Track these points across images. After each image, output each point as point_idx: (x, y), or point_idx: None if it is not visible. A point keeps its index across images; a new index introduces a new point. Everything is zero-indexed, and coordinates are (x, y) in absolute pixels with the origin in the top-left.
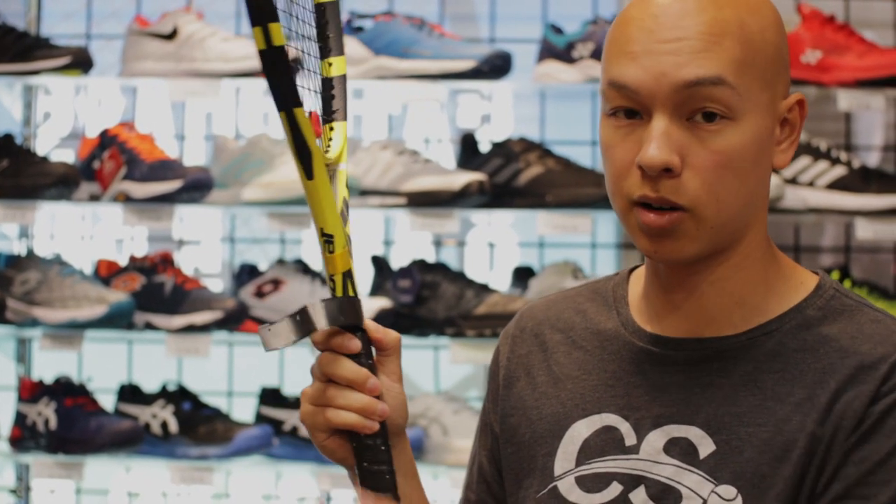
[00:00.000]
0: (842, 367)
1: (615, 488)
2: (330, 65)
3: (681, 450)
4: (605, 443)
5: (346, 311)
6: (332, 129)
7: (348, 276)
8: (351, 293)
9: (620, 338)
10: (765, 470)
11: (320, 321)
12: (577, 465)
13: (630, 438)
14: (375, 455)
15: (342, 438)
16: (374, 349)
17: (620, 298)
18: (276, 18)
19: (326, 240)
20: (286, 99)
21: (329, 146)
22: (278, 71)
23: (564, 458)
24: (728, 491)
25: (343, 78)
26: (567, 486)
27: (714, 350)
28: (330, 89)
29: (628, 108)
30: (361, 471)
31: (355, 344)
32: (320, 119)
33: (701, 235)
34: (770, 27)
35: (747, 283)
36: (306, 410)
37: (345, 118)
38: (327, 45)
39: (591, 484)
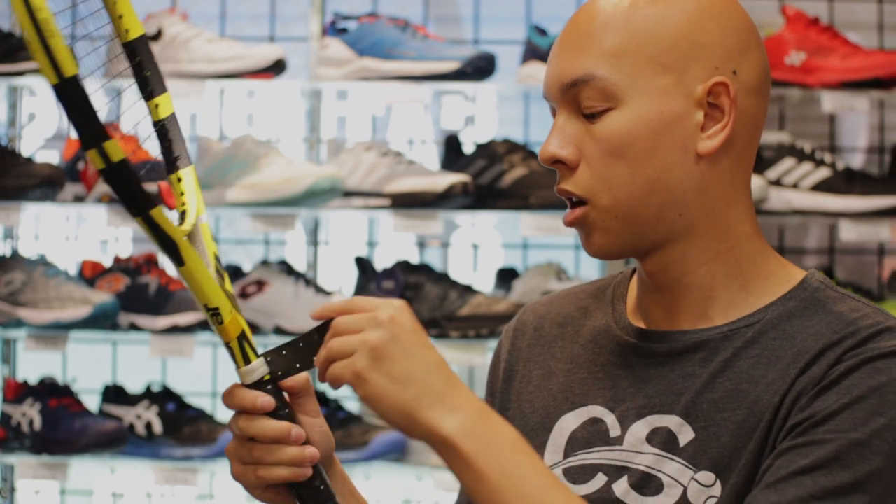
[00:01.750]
0: (813, 348)
1: (600, 479)
2: (157, 106)
3: (662, 439)
4: (591, 435)
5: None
6: (179, 179)
7: (243, 337)
8: (249, 351)
9: (610, 332)
10: (740, 452)
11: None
12: (564, 457)
13: (615, 430)
14: (317, 496)
15: (280, 488)
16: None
17: (619, 296)
18: (107, 135)
19: (213, 313)
20: (140, 205)
21: (184, 203)
22: (127, 183)
23: (553, 450)
24: (707, 477)
25: (173, 117)
26: None
27: (695, 341)
28: (165, 134)
29: (555, 113)
30: None
31: (268, 401)
32: (165, 171)
33: (610, 226)
34: (674, 15)
35: (716, 277)
36: (237, 470)
37: (189, 161)
38: (148, 85)
39: (577, 475)
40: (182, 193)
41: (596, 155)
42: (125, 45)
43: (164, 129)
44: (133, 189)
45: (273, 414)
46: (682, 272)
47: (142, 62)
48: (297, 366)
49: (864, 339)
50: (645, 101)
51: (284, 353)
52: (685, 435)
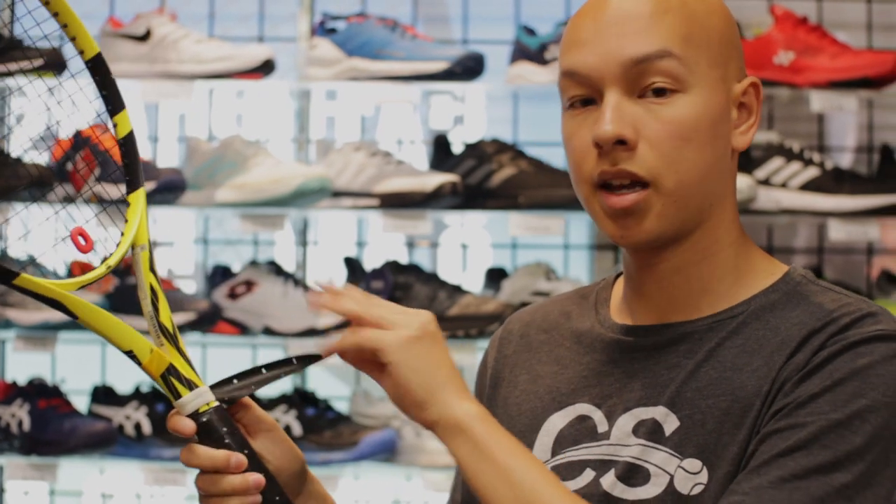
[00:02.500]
0: (797, 336)
1: (588, 475)
2: (115, 125)
3: (647, 430)
4: (579, 432)
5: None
6: (128, 204)
7: (169, 373)
8: (178, 386)
9: (594, 333)
10: (726, 439)
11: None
12: (552, 455)
13: (602, 426)
14: None
15: None
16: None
17: (603, 301)
18: None
19: (129, 355)
20: (2, 278)
21: (121, 234)
22: None
23: (541, 449)
24: (693, 464)
25: (131, 135)
26: None
27: (680, 333)
28: (123, 154)
29: (584, 96)
30: None
31: (187, 425)
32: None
33: (666, 211)
34: (716, 13)
35: (714, 271)
36: (201, 502)
37: (141, 184)
38: (107, 104)
39: (566, 472)
40: (126, 221)
41: (662, 135)
42: (85, 63)
43: (120, 149)
44: None
45: (214, 443)
46: (685, 263)
47: (99, 81)
48: (240, 391)
49: (846, 325)
50: (705, 89)
51: (233, 381)
52: (670, 424)
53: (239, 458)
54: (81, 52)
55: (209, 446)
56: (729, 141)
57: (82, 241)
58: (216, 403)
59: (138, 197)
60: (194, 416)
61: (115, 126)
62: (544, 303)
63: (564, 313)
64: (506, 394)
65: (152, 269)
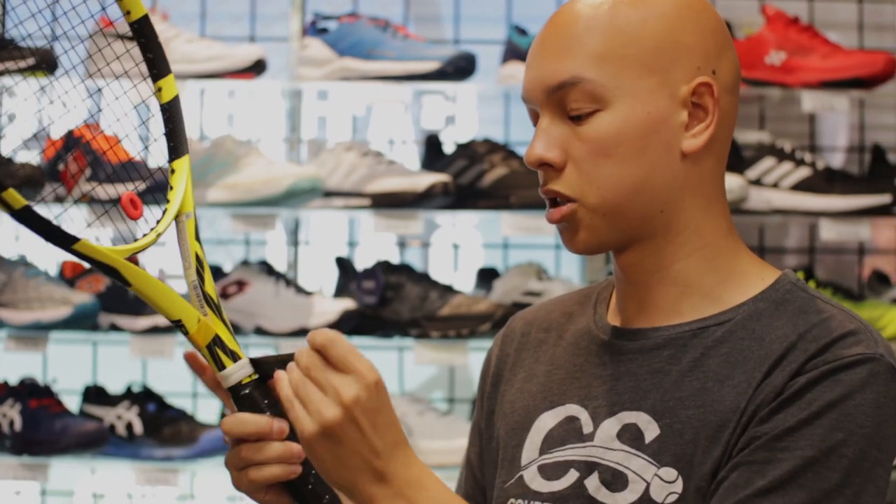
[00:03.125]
0: (777, 350)
1: (572, 475)
2: (160, 90)
3: (630, 435)
4: (566, 432)
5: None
6: (172, 171)
7: (215, 343)
8: (223, 357)
9: (589, 333)
10: (702, 452)
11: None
12: (540, 454)
13: (588, 427)
14: (313, 489)
15: (278, 489)
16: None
17: (602, 300)
18: (3, 187)
19: (177, 325)
20: (62, 241)
21: (168, 201)
22: (38, 226)
23: (530, 448)
24: (669, 473)
25: (176, 100)
26: (530, 475)
27: (665, 338)
28: (166, 119)
29: (535, 115)
30: None
31: (209, 379)
32: (145, 171)
33: (596, 224)
34: (654, 17)
35: (691, 272)
36: (234, 478)
37: (185, 151)
38: (152, 66)
39: (552, 472)
40: (171, 188)
41: (584, 156)
42: (131, 24)
43: (164, 114)
44: (47, 231)
45: (253, 408)
46: (657, 266)
47: (144, 44)
48: (276, 370)
49: (826, 344)
50: (632, 102)
51: (268, 358)
52: (651, 431)
53: (282, 424)
54: (127, 13)
55: None
56: (672, 146)
57: (132, 208)
58: (257, 376)
59: (183, 164)
60: (237, 387)
61: (159, 90)
62: (548, 302)
63: (566, 313)
64: (504, 391)
65: (197, 238)
